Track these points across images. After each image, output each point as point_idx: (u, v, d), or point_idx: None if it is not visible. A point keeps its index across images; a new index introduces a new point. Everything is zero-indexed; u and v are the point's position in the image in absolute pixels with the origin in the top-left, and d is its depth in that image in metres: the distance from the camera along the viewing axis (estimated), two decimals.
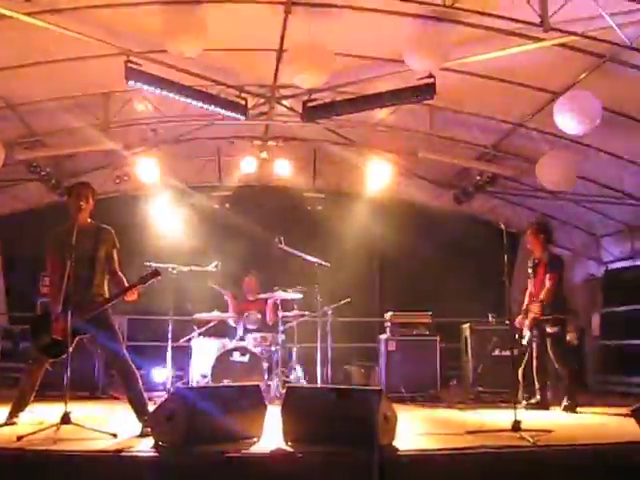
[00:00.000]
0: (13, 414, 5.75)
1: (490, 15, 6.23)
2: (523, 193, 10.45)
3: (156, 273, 5.85)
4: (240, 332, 8.71)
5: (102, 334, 5.82)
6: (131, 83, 7.10)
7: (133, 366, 5.82)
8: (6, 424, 5.63)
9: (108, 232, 6.05)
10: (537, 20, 5.90)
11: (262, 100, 8.47)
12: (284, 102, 8.50)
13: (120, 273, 5.99)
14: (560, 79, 7.44)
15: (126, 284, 5.90)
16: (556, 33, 6.14)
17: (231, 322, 8.96)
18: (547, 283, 7.51)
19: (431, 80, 7.17)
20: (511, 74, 7.55)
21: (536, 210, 11.02)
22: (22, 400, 5.84)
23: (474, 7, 6.09)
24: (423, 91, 7.31)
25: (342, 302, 8.48)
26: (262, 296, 8.90)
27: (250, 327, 8.71)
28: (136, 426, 5.44)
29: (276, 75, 7.94)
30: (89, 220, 6.03)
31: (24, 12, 6.00)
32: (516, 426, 5.39)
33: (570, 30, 6.17)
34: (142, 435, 5.20)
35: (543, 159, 8.50)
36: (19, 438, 4.80)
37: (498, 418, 6.35)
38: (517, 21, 6.18)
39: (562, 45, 6.59)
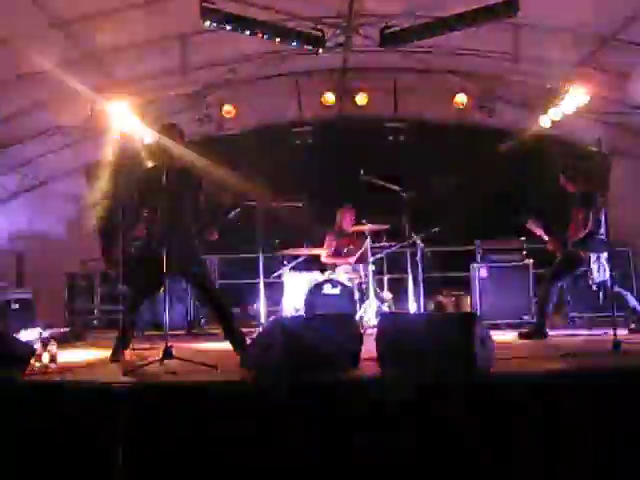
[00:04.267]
0: (117, 352, 6.00)
1: None
2: (616, 111, 9.97)
3: (235, 206, 5.91)
4: (330, 265, 8.78)
5: (194, 272, 5.98)
6: (207, 23, 7.09)
7: (226, 302, 5.96)
8: (112, 361, 5.89)
9: (196, 175, 6.13)
10: None
11: (339, 31, 8.31)
12: (361, 31, 8.33)
13: (205, 215, 6.08)
14: None
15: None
16: None
17: (325, 259, 8.98)
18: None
19: None
20: None
21: (631, 129, 10.52)
22: (124, 338, 6.08)
23: None
24: (506, 7, 7.01)
25: (431, 231, 8.38)
26: (357, 228, 8.82)
27: (348, 261, 8.72)
28: (235, 359, 5.59)
29: (352, 3, 7.76)
30: (178, 162, 6.10)
31: None
32: (616, 347, 5.27)
33: None
34: (242, 366, 5.33)
35: (635, 73, 8.05)
36: (125, 373, 5.01)
37: (594, 341, 6.23)
38: None
39: None
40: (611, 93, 9.36)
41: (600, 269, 7.20)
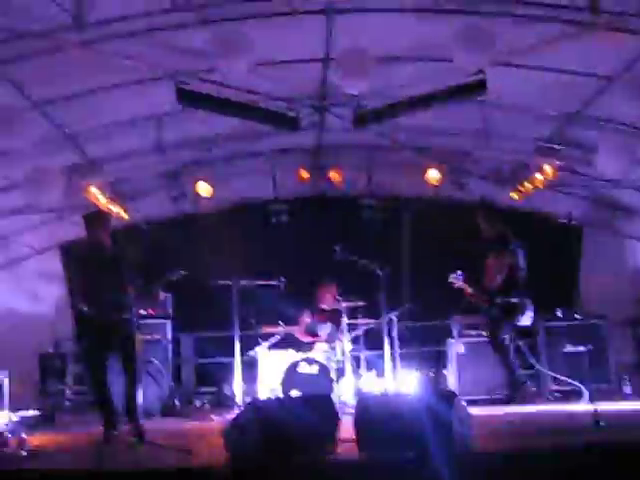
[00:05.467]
0: (108, 437, 5.83)
1: (535, 4, 6.15)
2: (583, 184, 10.18)
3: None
4: (307, 343, 8.69)
5: (125, 337, 6.12)
6: (183, 104, 7.20)
7: (140, 375, 6.28)
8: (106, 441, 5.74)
9: (121, 249, 6.65)
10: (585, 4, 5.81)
11: (312, 111, 8.48)
12: (334, 111, 8.49)
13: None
14: (614, 64, 7.22)
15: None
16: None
17: (300, 335, 8.89)
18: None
19: (482, 76, 7.07)
20: (562, 62, 7.39)
21: (597, 200, 10.72)
22: (108, 420, 5.96)
23: None
24: (475, 88, 7.22)
25: (404, 307, 8.36)
26: (332, 305, 8.75)
27: (325, 339, 8.62)
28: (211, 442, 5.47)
29: (324, 84, 7.94)
30: (106, 242, 6.51)
31: (77, 41, 6.12)
32: (596, 422, 5.22)
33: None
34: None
35: (602, 147, 8.26)
36: (94, 457, 4.86)
37: (576, 415, 6.18)
38: (564, 7, 6.07)
39: (614, 29, 6.41)
40: (580, 167, 9.58)
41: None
